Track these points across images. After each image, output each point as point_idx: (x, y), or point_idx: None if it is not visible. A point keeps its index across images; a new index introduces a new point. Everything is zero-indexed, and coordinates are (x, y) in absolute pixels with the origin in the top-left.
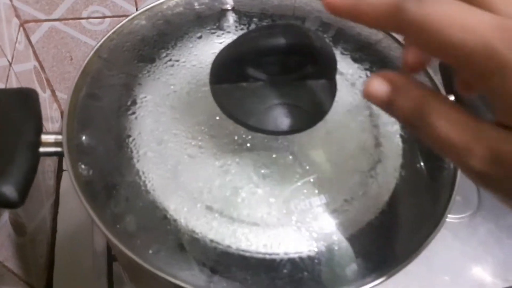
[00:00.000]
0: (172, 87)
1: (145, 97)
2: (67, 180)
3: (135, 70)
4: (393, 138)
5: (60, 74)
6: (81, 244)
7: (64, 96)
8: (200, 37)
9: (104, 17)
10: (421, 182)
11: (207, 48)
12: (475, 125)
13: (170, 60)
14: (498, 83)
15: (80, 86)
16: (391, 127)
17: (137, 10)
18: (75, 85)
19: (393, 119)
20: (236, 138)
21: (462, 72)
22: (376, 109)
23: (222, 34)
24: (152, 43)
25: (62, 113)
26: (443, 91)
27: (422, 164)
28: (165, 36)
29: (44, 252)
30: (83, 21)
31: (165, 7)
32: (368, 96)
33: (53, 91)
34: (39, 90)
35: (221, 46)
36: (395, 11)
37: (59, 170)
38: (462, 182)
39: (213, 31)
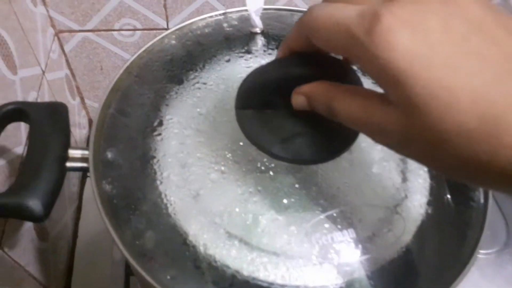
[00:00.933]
0: (198, 110)
1: (171, 118)
2: (91, 187)
3: (163, 90)
4: (420, 173)
5: (90, 82)
6: (101, 251)
7: (92, 103)
8: (228, 61)
9: (135, 29)
10: (449, 219)
11: (235, 72)
12: (365, 103)
13: (197, 82)
14: (366, 66)
15: (109, 102)
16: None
17: (167, 24)
18: (105, 102)
19: None
20: (259, 165)
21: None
22: None
23: (250, 58)
24: (181, 64)
25: (89, 120)
26: None
27: (449, 200)
28: (194, 57)
29: (64, 258)
30: (115, 32)
31: (194, 27)
32: (296, 108)
33: (82, 99)
34: (69, 98)
35: (249, 70)
36: (299, 27)
37: (83, 176)
38: (490, 216)
39: (241, 54)
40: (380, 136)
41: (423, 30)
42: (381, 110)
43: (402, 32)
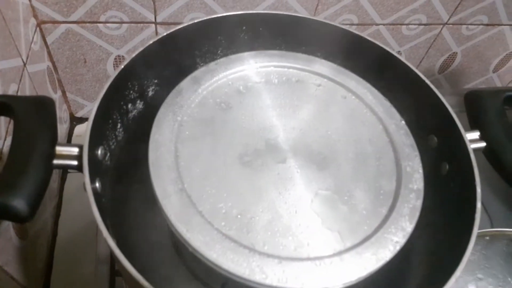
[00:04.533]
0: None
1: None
2: (71, 183)
3: None
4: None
5: (72, 76)
6: (83, 249)
7: (74, 97)
8: None
9: (122, 22)
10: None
11: None
12: None
13: None
14: None
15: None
16: None
17: (155, 17)
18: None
19: None
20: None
21: None
22: None
23: None
24: None
25: (71, 114)
26: (468, 126)
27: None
28: None
29: (44, 256)
30: (100, 25)
31: None
32: None
33: (64, 92)
34: (50, 91)
35: None
36: None
37: (64, 172)
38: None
39: None
40: None
41: None
42: None
43: None
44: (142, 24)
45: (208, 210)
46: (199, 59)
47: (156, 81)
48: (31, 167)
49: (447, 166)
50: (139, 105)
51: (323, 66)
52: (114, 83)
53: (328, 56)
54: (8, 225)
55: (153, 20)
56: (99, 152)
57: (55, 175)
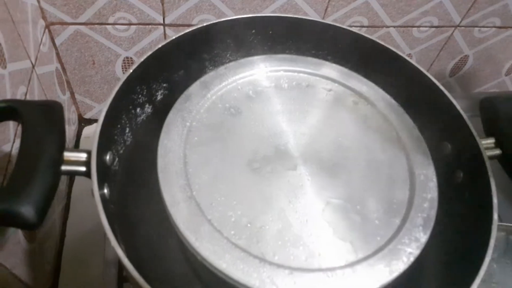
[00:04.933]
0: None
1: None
2: (79, 185)
3: None
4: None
5: (81, 77)
6: (91, 251)
7: (83, 99)
8: None
9: (130, 24)
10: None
11: None
12: None
13: None
14: None
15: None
16: None
17: (164, 19)
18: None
19: None
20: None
21: None
22: None
23: None
24: None
25: (79, 116)
26: (480, 131)
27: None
28: None
29: (52, 258)
30: (109, 26)
31: None
32: None
33: (72, 94)
34: (58, 92)
35: None
36: None
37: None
38: None
39: None
40: None
41: None
42: None
43: None
44: (150, 26)
45: (217, 218)
46: (208, 62)
47: (165, 85)
48: (38, 173)
49: (461, 174)
50: (148, 109)
51: (334, 71)
52: (123, 87)
53: (339, 60)
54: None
55: (162, 22)
56: (108, 157)
57: (63, 177)
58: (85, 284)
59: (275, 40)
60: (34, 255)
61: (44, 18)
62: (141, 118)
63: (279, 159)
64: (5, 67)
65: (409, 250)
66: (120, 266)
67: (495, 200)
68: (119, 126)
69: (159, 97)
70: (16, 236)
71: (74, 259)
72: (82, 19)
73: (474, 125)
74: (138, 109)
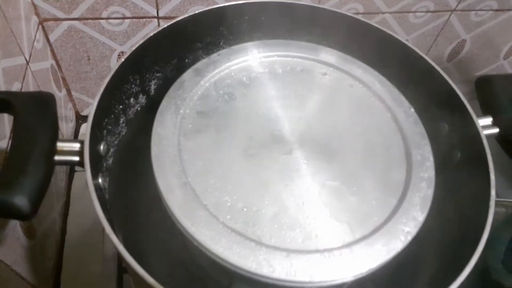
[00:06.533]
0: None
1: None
2: (79, 181)
3: None
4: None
5: (76, 73)
6: (91, 247)
7: (79, 95)
8: None
9: (124, 18)
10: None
11: None
12: None
13: None
14: None
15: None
16: None
17: (158, 12)
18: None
19: None
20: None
21: None
22: None
23: None
24: None
25: (76, 113)
26: (480, 112)
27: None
28: None
29: (53, 255)
30: (102, 21)
31: None
32: None
33: (68, 91)
34: (54, 89)
35: None
36: None
37: (71, 170)
38: None
39: None
40: None
41: None
42: None
43: None
44: (144, 19)
45: (213, 203)
46: (201, 51)
47: (158, 74)
48: (32, 163)
49: (459, 154)
50: (142, 99)
51: (329, 55)
52: (115, 77)
53: (334, 44)
54: (16, 224)
55: (156, 14)
56: (101, 147)
57: (62, 173)
58: (87, 279)
59: (268, 25)
60: (34, 252)
61: (37, 14)
62: (136, 108)
63: (274, 144)
64: None
65: (406, 229)
66: (120, 259)
67: (492, 177)
68: (112, 116)
69: (153, 87)
70: (16, 233)
71: (76, 255)
72: (75, 14)
73: (472, 109)
74: (132, 99)
